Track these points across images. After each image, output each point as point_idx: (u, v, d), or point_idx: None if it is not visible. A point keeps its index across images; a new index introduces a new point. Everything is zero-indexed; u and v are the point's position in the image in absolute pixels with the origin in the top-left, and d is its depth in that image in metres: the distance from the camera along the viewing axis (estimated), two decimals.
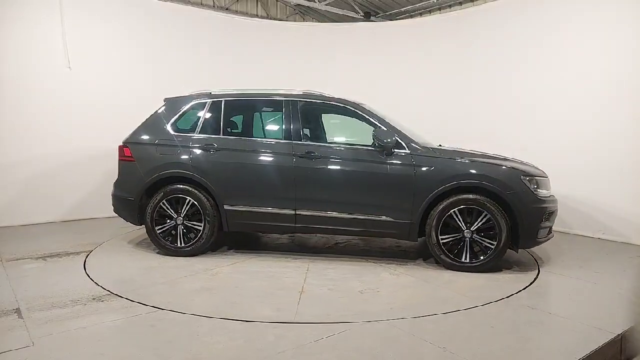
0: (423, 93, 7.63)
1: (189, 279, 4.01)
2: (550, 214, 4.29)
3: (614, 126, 5.49)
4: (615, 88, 5.50)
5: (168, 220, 4.68)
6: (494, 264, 4.19)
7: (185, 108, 4.95)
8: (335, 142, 4.78)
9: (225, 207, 4.60)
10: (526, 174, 4.24)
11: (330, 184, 4.51)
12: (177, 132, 4.84)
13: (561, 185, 5.88)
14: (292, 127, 4.61)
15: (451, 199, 4.20)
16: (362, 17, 11.02)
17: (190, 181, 4.67)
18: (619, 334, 2.92)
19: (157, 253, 4.76)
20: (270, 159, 4.57)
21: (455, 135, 6.50)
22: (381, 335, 2.91)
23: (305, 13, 12.16)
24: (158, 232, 4.68)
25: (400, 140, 4.37)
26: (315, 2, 10.48)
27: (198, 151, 4.69)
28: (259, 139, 4.82)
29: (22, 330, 2.90)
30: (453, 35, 7.40)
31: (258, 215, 4.57)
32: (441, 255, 4.26)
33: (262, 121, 5.18)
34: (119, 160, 5.00)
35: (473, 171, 4.24)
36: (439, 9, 10.33)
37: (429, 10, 10.52)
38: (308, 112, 4.85)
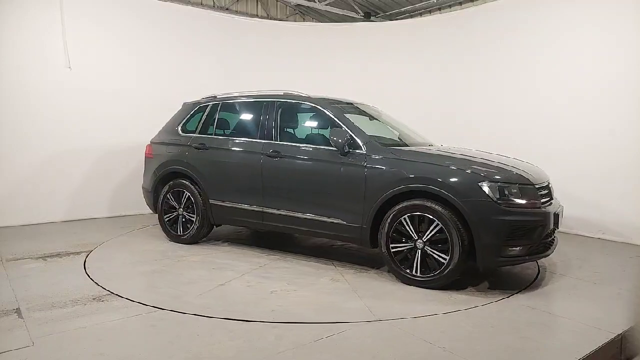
0: (423, 93, 7.62)
1: (153, 263, 4.44)
2: (528, 230, 3.59)
3: (614, 126, 5.49)
4: (616, 88, 5.49)
5: (173, 211, 5.23)
6: (451, 281, 3.69)
7: (193, 110, 5.42)
8: (301, 142, 4.67)
9: (211, 201, 4.95)
10: (490, 179, 3.61)
11: (291, 183, 4.51)
12: (185, 133, 5.33)
13: (561, 185, 5.90)
14: (266, 126, 4.76)
15: (402, 204, 3.82)
16: (362, 17, 11.03)
17: (186, 177, 5.14)
18: (619, 334, 2.92)
19: (170, 241, 5.23)
20: (245, 157, 4.77)
21: (455, 135, 6.52)
22: (381, 335, 2.92)
23: (305, 13, 12.16)
24: (165, 220, 5.27)
25: (358, 140, 4.15)
26: (315, 2, 10.48)
27: (194, 150, 5.11)
28: (239, 139, 4.97)
29: (22, 330, 2.90)
30: (453, 35, 7.40)
31: (235, 211, 4.83)
32: (392, 265, 3.90)
33: (245, 121, 5.25)
34: (145, 156, 5.62)
35: (421, 174, 3.79)
36: (439, 9, 10.33)
37: (429, 10, 10.52)
38: (284, 112, 4.83)
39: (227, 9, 10.80)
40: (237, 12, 10.81)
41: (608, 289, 3.85)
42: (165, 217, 5.27)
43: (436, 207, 3.66)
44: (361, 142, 4.15)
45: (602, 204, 5.61)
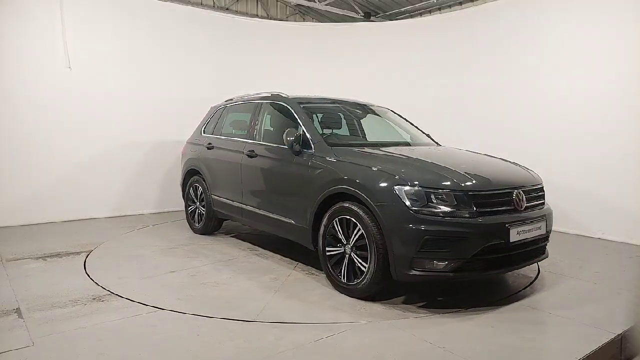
0: (423, 92, 7.62)
1: (145, 249, 4.94)
2: (451, 243, 3.13)
3: (614, 126, 5.49)
4: (615, 88, 5.49)
5: (192, 204, 5.76)
6: (379, 291, 3.46)
7: (213, 113, 5.82)
8: (274, 141, 4.61)
9: (212, 196, 5.35)
10: (406, 183, 3.25)
11: (259, 181, 4.63)
12: (204, 134, 5.74)
13: (562, 185, 5.90)
14: (251, 127, 4.96)
15: (334, 207, 3.66)
16: (362, 17, 11.04)
17: (199, 174, 5.60)
18: (619, 334, 2.92)
19: (195, 233, 5.73)
20: (233, 156, 5.00)
21: (454, 135, 6.52)
22: (381, 335, 2.92)
23: (305, 13, 12.17)
24: (188, 212, 5.85)
25: (310, 140, 4.05)
26: (315, 2, 10.49)
27: (205, 149, 5.51)
28: (233, 138, 5.20)
29: (22, 330, 2.91)
30: (453, 35, 7.40)
31: (227, 206, 5.13)
32: (326, 269, 3.75)
33: (240, 122, 5.39)
34: (181, 154, 6.14)
35: (346, 176, 3.60)
36: (439, 9, 10.35)
37: (429, 10, 10.53)
38: (266, 113, 4.91)
39: (227, 9, 10.81)
40: (237, 12, 10.83)
41: (608, 289, 3.84)
42: (188, 209, 5.84)
43: (359, 211, 3.44)
44: (312, 141, 4.05)
45: (602, 203, 5.60)
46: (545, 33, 6.21)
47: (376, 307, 3.38)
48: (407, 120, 5.25)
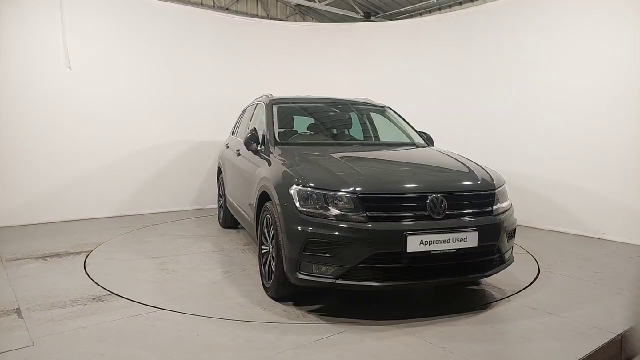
0: (422, 92, 7.62)
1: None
2: (333, 248, 2.95)
3: (614, 126, 5.48)
4: (616, 88, 5.49)
5: (221, 199, 6.10)
6: (287, 293, 3.40)
7: (239, 115, 6.09)
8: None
9: (225, 192, 5.72)
10: (299, 183, 3.17)
11: (238, 178, 4.86)
12: (232, 135, 6.05)
13: (562, 185, 5.90)
14: (246, 127, 5.17)
15: (264, 205, 3.60)
16: (362, 17, 11.04)
17: (221, 172, 6.01)
18: (619, 334, 2.93)
19: (221, 226, 6.13)
20: (232, 155, 5.26)
21: (454, 134, 6.52)
22: (381, 335, 2.92)
23: (305, 13, 12.16)
24: (218, 206, 6.25)
25: (267, 138, 4.10)
26: (315, 2, 10.48)
27: (225, 149, 5.91)
28: (237, 138, 5.52)
29: (22, 330, 2.91)
30: (453, 35, 7.40)
31: (230, 203, 5.41)
32: (260, 267, 3.76)
33: (245, 123, 5.53)
34: None
35: (265, 174, 3.66)
36: (439, 9, 10.34)
37: (429, 10, 10.53)
38: (257, 113, 4.99)
39: (227, 9, 10.80)
40: (237, 12, 10.81)
41: (608, 289, 3.84)
42: (218, 203, 6.25)
43: (273, 209, 3.37)
44: (267, 140, 4.10)
45: (602, 203, 5.60)
46: (545, 32, 6.20)
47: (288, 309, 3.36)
48: (403, 119, 5.11)
